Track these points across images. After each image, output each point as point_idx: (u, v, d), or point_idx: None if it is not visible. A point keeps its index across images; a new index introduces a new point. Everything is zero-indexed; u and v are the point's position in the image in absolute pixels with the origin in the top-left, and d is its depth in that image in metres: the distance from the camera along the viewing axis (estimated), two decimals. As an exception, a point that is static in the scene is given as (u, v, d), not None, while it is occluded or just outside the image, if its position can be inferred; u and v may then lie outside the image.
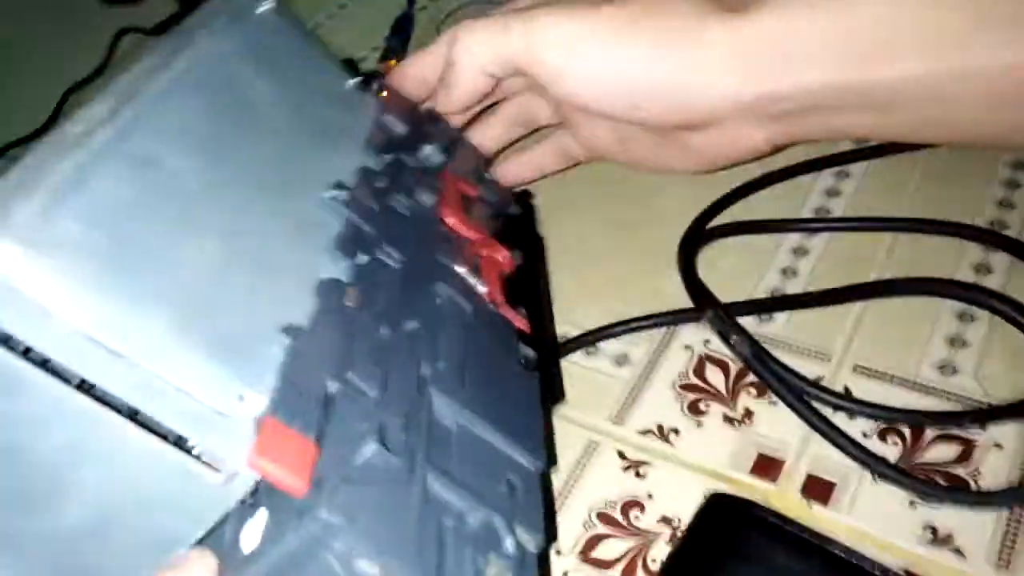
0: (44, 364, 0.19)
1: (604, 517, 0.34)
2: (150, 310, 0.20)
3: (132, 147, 0.22)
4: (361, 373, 0.23)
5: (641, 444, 0.36)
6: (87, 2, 0.86)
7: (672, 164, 0.39)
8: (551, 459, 0.35)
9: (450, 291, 0.29)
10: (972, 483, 0.32)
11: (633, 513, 0.34)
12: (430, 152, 0.35)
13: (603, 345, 0.40)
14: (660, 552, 0.33)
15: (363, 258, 0.28)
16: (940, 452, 0.34)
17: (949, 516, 0.32)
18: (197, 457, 0.21)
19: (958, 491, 0.32)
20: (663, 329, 0.40)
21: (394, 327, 0.26)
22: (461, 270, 0.30)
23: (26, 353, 0.18)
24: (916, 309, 0.38)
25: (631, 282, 0.43)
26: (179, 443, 0.21)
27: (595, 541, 0.34)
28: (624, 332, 0.40)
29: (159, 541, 0.21)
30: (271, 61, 0.30)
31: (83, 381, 0.19)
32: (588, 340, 0.40)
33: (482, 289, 0.30)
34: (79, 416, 0.19)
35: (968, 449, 0.33)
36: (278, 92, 0.30)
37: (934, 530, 0.31)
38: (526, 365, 0.29)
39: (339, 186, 0.29)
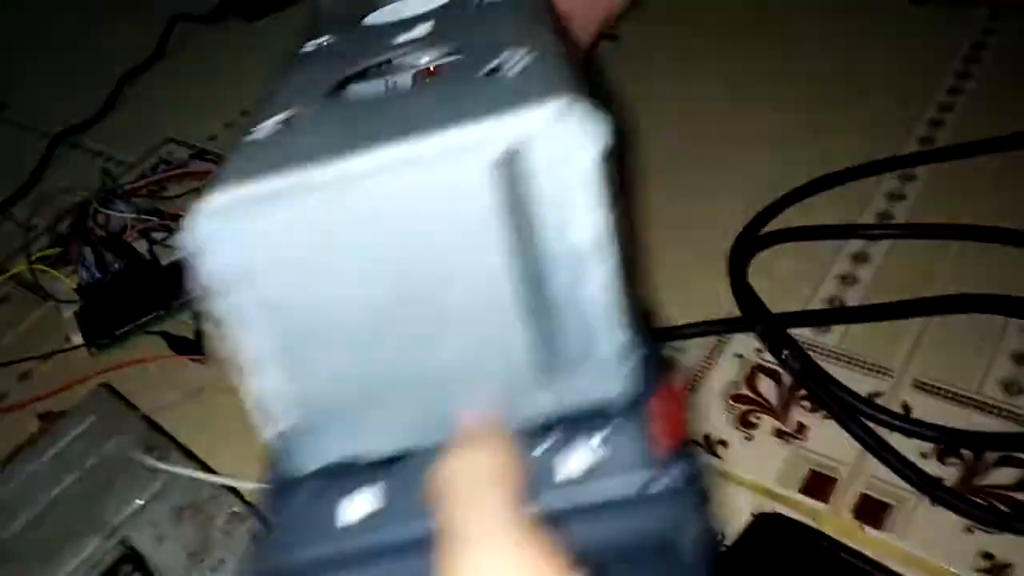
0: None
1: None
2: None
3: None
4: None
5: (688, 455, 0.36)
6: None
7: None
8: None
9: None
10: (1037, 511, 0.31)
11: (678, 527, 0.33)
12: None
13: (651, 350, 0.40)
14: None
15: None
16: (1002, 476, 0.32)
17: (1009, 544, 0.30)
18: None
19: (1020, 519, 0.31)
20: (714, 336, 0.39)
21: None
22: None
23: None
24: (981, 324, 0.36)
25: (684, 284, 0.42)
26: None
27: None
28: (674, 339, 0.39)
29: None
30: None
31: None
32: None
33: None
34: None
35: (1033, 475, 0.32)
36: None
37: (991, 558, 0.30)
38: None
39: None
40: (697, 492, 0.19)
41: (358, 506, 0.20)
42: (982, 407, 0.34)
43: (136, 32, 0.78)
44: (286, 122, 0.21)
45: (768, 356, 0.38)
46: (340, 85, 0.24)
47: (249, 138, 0.21)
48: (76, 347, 0.49)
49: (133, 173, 0.62)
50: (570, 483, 0.19)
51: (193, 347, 0.47)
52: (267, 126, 0.21)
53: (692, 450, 0.19)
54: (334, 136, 0.19)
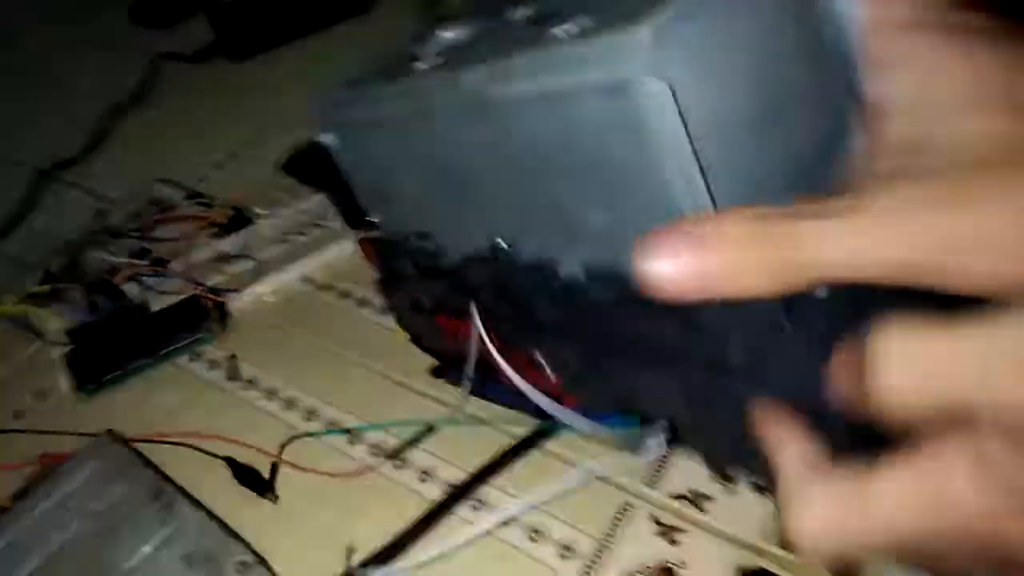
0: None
1: (638, 581, 0.36)
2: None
3: None
4: None
5: (674, 508, 0.38)
6: (121, 24, 0.88)
7: None
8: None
9: None
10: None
11: (666, 580, 0.35)
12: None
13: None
14: (693, 620, 0.34)
15: None
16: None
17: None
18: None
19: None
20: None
21: None
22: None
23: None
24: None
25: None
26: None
27: (629, 605, 0.35)
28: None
29: None
30: None
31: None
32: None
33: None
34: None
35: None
36: None
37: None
38: None
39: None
40: None
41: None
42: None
43: (121, 70, 0.79)
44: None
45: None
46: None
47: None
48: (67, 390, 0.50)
49: (122, 213, 0.62)
50: None
51: (260, 483, 0.42)
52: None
53: None
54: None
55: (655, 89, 0.20)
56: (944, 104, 0.21)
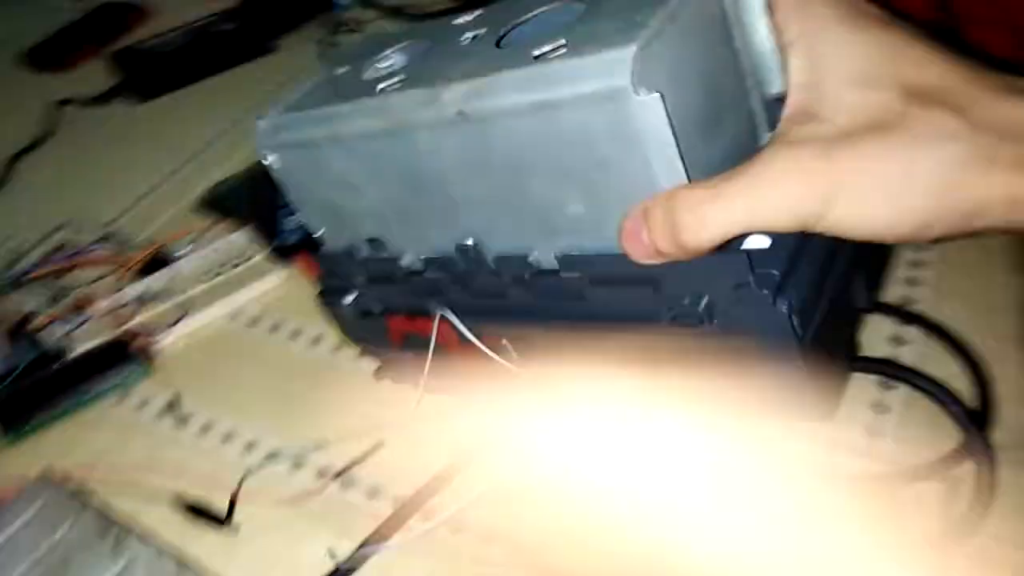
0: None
1: None
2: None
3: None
4: None
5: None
6: (19, 69, 0.86)
7: None
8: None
9: None
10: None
11: None
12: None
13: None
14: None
15: None
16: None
17: None
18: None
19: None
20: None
21: None
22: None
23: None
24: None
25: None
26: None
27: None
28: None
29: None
30: None
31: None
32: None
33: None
34: None
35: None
36: None
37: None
38: None
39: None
40: None
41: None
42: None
43: (21, 115, 0.77)
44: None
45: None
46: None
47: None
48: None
49: (31, 258, 0.61)
50: None
51: (212, 515, 0.42)
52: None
53: None
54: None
55: (647, 97, 0.25)
56: (832, 79, 0.26)
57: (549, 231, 0.31)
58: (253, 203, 0.63)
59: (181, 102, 0.78)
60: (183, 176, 0.69)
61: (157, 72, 0.78)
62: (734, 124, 0.30)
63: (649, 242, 0.27)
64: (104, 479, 0.44)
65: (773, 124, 0.29)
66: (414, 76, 0.32)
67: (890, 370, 0.39)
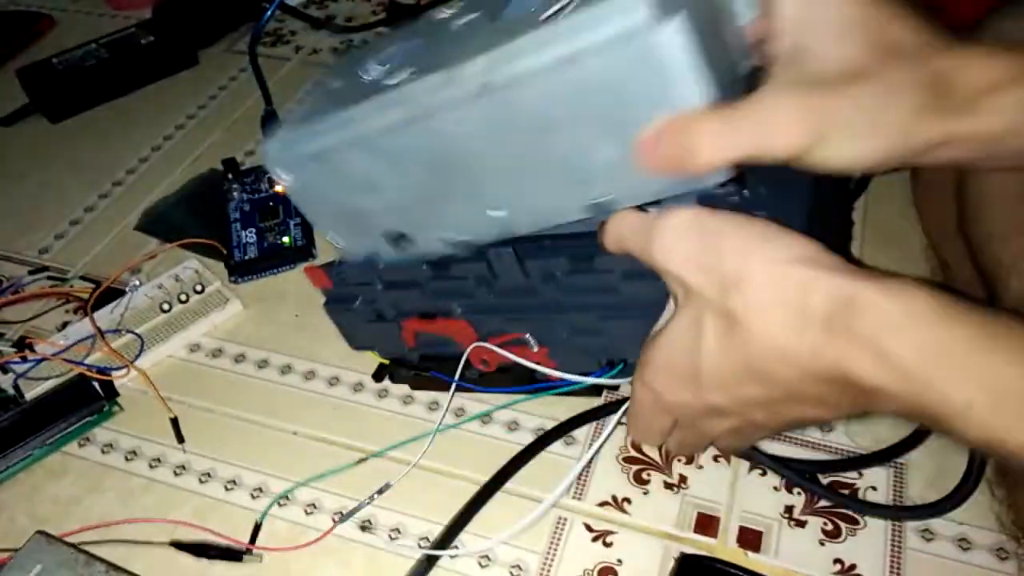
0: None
1: (584, 584, 0.40)
2: None
3: None
4: None
5: (602, 515, 0.43)
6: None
7: None
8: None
9: None
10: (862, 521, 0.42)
11: (608, 578, 0.41)
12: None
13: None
14: (638, 609, 0.39)
15: None
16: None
17: (850, 550, 0.41)
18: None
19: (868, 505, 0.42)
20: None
21: None
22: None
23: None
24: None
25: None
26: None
27: (581, 607, 0.40)
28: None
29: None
30: None
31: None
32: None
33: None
34: None
35: (853, 492, 0.43)
36: None
37: (841, 562, 0.40)
38: None
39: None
40: None
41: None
42: (806, 444, 0.45)
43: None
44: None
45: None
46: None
47: None
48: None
49: (-40, 297, 0.58)
50: None
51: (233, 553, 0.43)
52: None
53: None
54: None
55: (668, 25, 0.27)
56: (818, 28, 0.29)
57: (580, 183, 0.32)
58: (196, 222, 0.62)
59: (100, 120, 0.75)
60: (113, 199, 0.67)
61: (69, 90, 0.75)
62: (725, 50, 0.32)
63: (663, 156, 0.29)
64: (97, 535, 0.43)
65: (743, 54, 0.32)
66: (424, 65, 0.32)
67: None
